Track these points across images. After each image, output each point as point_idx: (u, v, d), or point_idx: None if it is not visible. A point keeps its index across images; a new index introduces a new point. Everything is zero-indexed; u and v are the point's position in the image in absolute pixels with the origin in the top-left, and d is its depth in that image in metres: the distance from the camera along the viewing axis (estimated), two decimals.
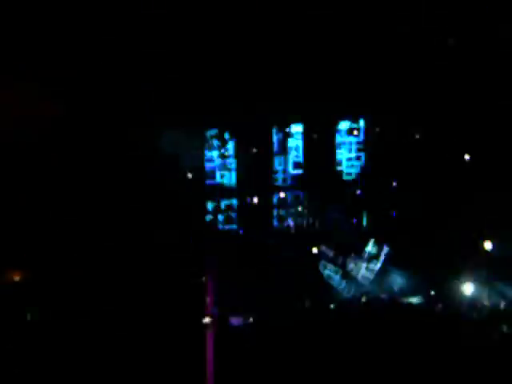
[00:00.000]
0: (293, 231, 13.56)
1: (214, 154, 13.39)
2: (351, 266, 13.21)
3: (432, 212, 13.29)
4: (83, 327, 10.40)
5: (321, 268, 13.21)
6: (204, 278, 12.35)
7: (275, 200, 13.62)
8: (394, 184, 13.93)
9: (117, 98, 11.63)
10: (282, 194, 13.63)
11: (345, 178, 13.80)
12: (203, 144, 13.26)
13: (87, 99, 11.54)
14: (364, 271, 13.13)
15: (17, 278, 11.39)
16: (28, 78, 11.02)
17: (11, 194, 11.05)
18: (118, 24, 11.30)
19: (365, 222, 13.92)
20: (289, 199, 13.67)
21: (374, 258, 13.32)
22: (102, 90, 11.60)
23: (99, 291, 11.12)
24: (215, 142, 13.41)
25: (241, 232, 13.50)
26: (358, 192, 13.83)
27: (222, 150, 13.43)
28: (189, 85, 12.37)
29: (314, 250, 13.37)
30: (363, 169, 13.87)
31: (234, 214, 13.49)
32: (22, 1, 10.90)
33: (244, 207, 13.52)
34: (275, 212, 13.61)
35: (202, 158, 13.22)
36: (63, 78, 11.22)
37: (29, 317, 10.88)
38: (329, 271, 13.22)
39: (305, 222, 13.69)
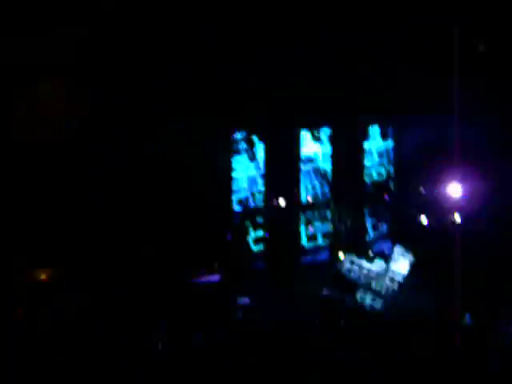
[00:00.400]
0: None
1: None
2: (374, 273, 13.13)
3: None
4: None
5: (345, 272, 13.13)
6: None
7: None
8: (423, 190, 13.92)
9: (136, 97, 11.58)
10: (310, 198, 13.57)
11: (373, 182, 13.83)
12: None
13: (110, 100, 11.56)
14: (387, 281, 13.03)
15: (44, 277, 11.49)
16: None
17: (39, 194, 11.15)
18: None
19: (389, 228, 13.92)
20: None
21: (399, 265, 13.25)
22: (123, 90, 11.56)
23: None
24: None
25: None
26: (386, 197, 13.81)
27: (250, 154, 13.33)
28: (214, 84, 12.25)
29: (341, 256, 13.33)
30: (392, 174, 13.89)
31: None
32: None
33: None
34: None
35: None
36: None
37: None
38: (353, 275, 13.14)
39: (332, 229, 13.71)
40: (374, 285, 12.78)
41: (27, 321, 10.61)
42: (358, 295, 12.62)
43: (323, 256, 13.56)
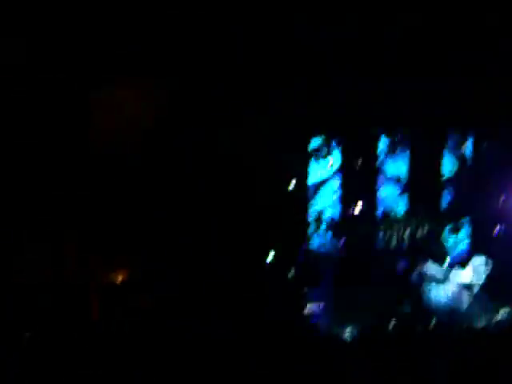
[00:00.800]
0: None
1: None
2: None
3: None
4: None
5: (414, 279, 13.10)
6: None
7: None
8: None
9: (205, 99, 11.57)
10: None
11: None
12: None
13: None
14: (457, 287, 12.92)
15: (120, 278, 11.90)
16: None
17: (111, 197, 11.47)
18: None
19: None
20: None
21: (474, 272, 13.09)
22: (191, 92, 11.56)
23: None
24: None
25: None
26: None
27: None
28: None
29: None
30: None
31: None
32: None
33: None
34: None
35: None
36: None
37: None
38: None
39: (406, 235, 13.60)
40: (440, 291, 12.73)
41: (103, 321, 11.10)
42: (423, 300, 12.61)
43: (398, 265, 13.50)
